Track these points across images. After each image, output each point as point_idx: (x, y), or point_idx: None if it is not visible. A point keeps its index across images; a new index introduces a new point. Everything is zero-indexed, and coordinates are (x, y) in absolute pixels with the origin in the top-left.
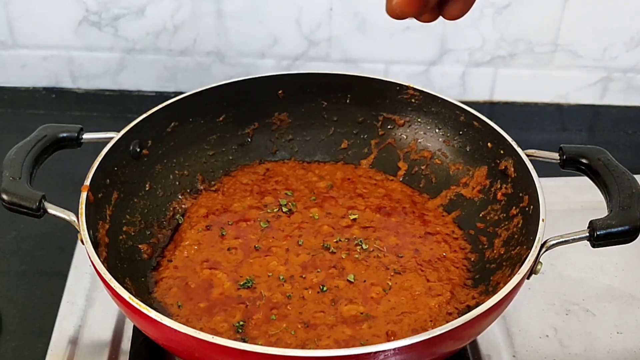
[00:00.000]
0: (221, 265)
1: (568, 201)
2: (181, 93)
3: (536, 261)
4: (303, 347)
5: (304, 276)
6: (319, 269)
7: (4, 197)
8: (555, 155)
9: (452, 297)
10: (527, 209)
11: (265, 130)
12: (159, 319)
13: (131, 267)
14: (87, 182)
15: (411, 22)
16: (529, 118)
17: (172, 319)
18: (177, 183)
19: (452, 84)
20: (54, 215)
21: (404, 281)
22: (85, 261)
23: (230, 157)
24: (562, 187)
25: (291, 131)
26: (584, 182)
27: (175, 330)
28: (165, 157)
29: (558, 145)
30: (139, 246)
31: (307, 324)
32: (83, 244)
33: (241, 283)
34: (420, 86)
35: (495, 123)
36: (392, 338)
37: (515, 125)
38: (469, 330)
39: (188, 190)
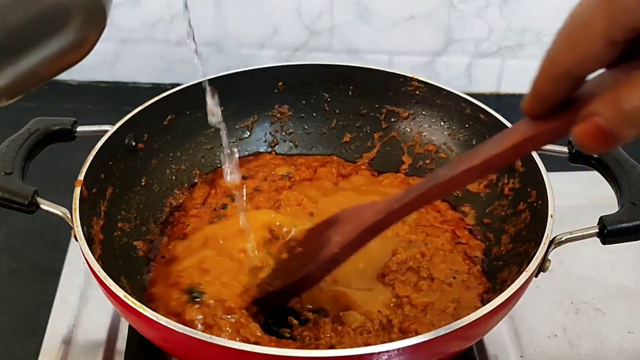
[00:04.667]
0: None
1: (577, 196)
2: (178, 85)
3: (544, 258)
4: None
5: None
6: None
7: None
8: (565, 149)
9: None
10: (535, 204)
11: (264, 123)
12: (155, 318)
13: (126, 264)
14: (81, 176)
15: (415, 11)
16: None
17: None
18: (174, 178)
19: (457, 76)
20: (47, 211)
21: None
22: (79, 258)
23: (228, 151)
24: (571, 182)
25: (291, 124)
26: (594, 176)
27: (172, 330)
28: (162, 151)
29: (567, 138)
30: (135, 243)
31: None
32: (77, 240)
33: None
34: (425, 78)
35: (502, 116)
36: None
37: (523, 118)
38: (474, 330)
39: (185, 185)
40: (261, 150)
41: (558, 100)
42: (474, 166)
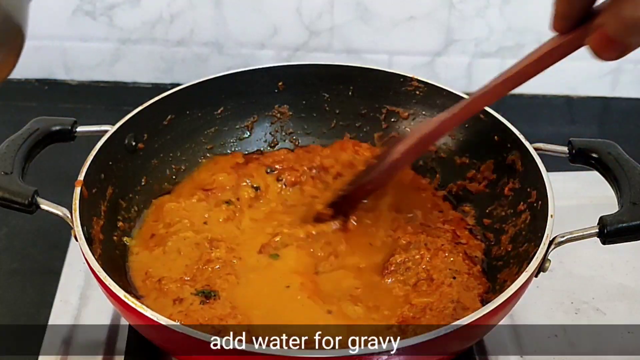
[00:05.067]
0: None
1: (577, 196)
2: (178, 85)
3: (544, 258)
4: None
5: None
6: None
7: None
8: (565, 149)
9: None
10: (535, 204)
11: (264, 123)
12: (155, 318)
13: (127, 264)
14: (81, 176)
15: (415, 11)
16: (537, 111)
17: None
18: (174, 178)
19: (457, 76)
20: (47, 211)
21: None
22: (79, 258)
23: (229, 151)
24: (571, 182)
25: (291, 124)
26: (594, 176)
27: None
28: (162, 151)
29: (567, 138)
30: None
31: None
32: (77, 240)
33: None
34: (425, 78)
35: (502, 116)
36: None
37: (523, 118)
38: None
39: None
40: (262, 150)
41: (576, 17)
42: (511, 75)
